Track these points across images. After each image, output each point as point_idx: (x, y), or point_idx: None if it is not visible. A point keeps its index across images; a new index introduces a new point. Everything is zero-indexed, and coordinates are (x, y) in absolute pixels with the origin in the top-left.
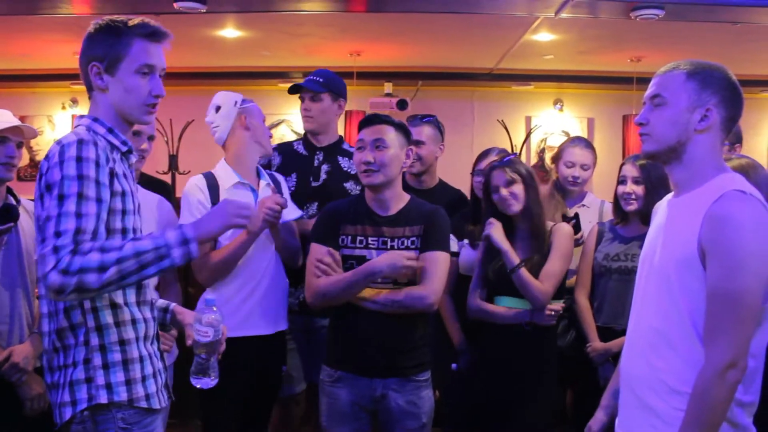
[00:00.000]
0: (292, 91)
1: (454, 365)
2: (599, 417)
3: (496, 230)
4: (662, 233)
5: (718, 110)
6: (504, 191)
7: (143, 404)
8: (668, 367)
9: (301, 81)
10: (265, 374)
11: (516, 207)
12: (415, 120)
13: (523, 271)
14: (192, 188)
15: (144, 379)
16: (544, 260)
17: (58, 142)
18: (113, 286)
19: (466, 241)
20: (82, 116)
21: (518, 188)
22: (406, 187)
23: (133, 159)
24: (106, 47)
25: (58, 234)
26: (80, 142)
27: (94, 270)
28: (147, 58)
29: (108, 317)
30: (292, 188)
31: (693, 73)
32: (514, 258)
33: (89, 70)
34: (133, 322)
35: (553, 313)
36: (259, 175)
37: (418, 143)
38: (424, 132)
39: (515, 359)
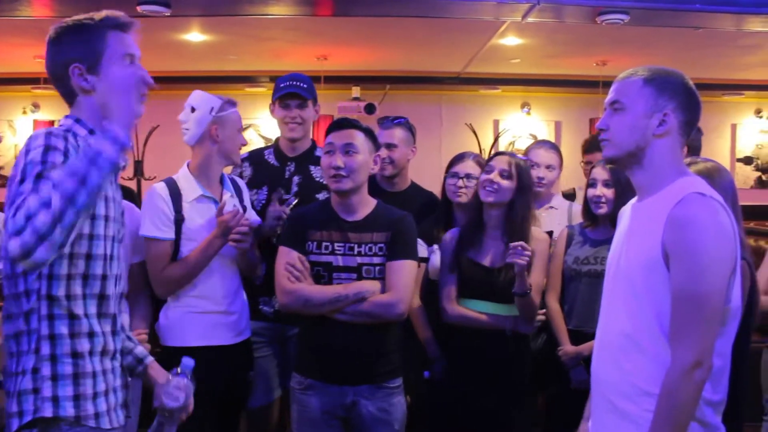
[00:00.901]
0: (283, 97)
1: (426, 373)
2: (583, 429)
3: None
4: (626, 237)
5: (676, 115)
6: (495, 176)
7: (91, 423)
8: (638, 369)
9: (268, 86)
10: (233, 383)
11: (493, 197)
12: (387, 122)
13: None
14: (154, 197)
15: (95, 396)
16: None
17: (29, 138)
18: (70, 216)
19: (435, 246)
20: (65, 116)
21: (509, 184)
22: (379, 190)
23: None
24: (82, 47)
25: (13, 216)
26: (48, 134)
27: (39, 211)
28: (126, 48)
29: (63, 327)
30: (263, 202)
31: (650, 79)
32: (527, 282)
33: (71, 74)
34: (90, 335)
35: (537, 321)
36: (222, 184)
37: (390, 146)
38: (396, 134)
39: (497, 365)
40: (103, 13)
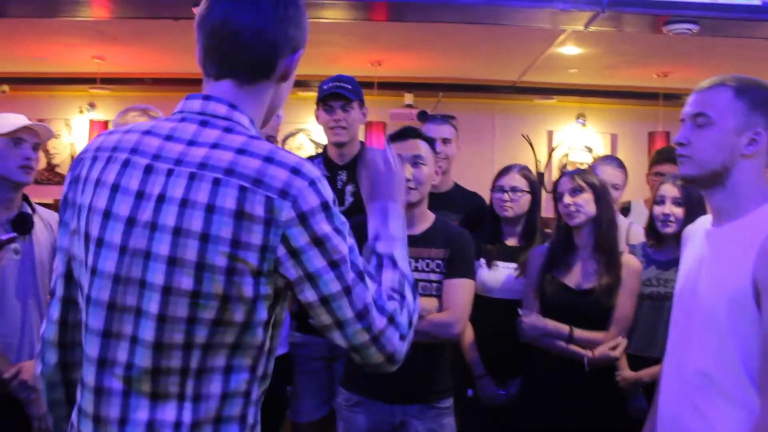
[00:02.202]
0: (326, 98)
1: (470, 391)
2: None
3: (529, 318)
4: (704, 265)
5: (767, 133)
6: (568, 199)
7: None
8: (723, 417)
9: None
10: (266, 398)
11: (580, 219)
12: (437, 120)
13: (579, 334)
14: None
15: None
16: (613, 287)
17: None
18: None
19: (483, 260)
20: (231, 106)
21: (586, 198)
22: None
23: None
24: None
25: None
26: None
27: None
28: None
29: None
30: None
31: (741, 91)
32: (562, 328)
33: (297, 60)
34: None
35: (618, 353)
36: None
37: (446, 141)
38: (448, 130)
39: (574, 395)
40: None
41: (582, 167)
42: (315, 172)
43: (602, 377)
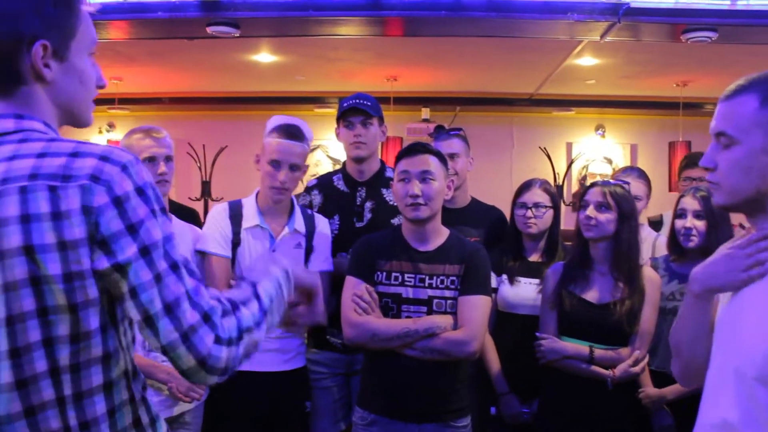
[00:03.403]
0: (345, 114)
1: (492, 409)
2: None
3: (547, 341)
4: (748, 305)
5: None
6: (592, 212)
7: None
8: None
9: (336, 106)
10: (284, 411)
11: (595, 233)
12: (443, 134)
13: (600, 354)
14: (215, 216)
15: None
16: (634, 301)
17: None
18: None
19: (504, 276)
20: (14, 116)
21: (609, 217)
22: None
23: None
24: (52, 20)
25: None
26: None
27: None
28: (95, 36)
29: None
30: (335, 231)
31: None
32: (582, 350)
33: (33, 52)
34: None
35: (639, 368)
36: (291, 212)
37: (453, 156)
38: (456, 144)
39: (595, 417)
40: None
41: (607, 179)
42: (126, 156)
43: (624, 394)
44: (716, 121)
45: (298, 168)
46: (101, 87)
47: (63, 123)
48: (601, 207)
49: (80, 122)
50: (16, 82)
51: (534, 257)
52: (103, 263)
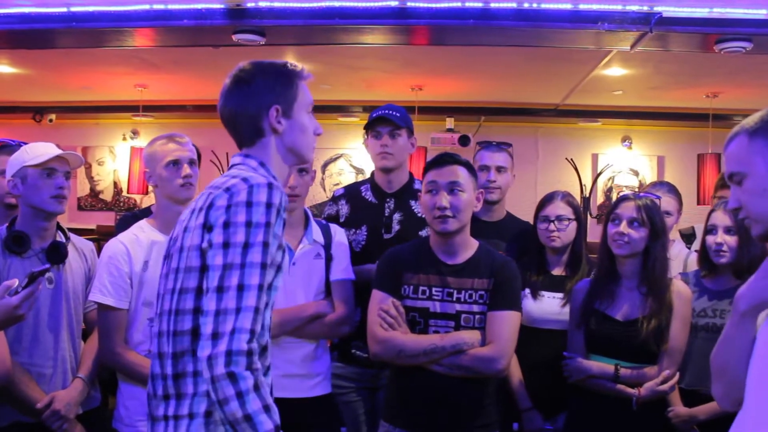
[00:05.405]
0: (373, 124)
1: (515, 425)
2: None
3: (574, 361)
4: None
5: None
6: (624, 228)
7: None
8: None
9: (361, 116)
10: None
11: (625, 250)
12: (491, 147)
13: (625, 373)
14: None
15: None
16: (661, 317)
17: (245, 180)
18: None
19: (527, 291)
20: (245, 156)
21: (642, 235)
22: (473, 218)
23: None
24: (280, 90)
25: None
26: (270, 187)
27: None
28: (311, 98)
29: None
30: (363, 242)
31: (754, 131)
32: (607, 369)
33: (269, 114)
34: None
35: (668, 387)
36: (307, 223)
37: (501, 169)
38: (504, 158)
39: (626, 429)
40: (293, 63)
41: (634, 190)
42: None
43: (653, 413)
44: (725, 167)
45: (306, 172)
46: (318, 134)
47: (291, 162)
48: (633, 223)
49: (303, 160)
50: (261, 136)
51: (557, 271)
52: None
